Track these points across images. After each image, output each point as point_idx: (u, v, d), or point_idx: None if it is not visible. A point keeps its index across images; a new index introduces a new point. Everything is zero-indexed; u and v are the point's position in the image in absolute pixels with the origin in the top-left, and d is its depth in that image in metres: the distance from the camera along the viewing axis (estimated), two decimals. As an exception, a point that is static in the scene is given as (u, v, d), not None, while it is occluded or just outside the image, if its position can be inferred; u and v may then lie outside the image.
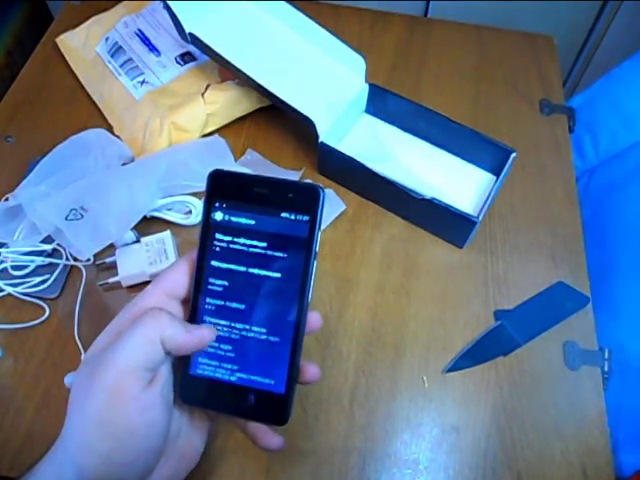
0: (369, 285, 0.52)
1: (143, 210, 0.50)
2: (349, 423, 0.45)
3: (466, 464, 0.44)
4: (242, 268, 0.32)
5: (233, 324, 0.32)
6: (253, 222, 0.32)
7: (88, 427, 0.29)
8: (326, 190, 0.56)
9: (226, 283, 0.33)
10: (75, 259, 0.50)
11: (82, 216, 0.48)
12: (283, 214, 0.32)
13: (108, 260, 0.50)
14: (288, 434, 0.44)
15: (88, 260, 0.50)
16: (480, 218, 0.50)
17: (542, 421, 0.46)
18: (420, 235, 0.55)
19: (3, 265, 0.49)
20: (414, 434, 0.45)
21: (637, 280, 0.54)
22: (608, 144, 0.66)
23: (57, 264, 0.50)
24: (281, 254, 0.32)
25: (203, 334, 0.31)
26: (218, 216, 0.33)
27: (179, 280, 0.33)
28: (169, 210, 0.54)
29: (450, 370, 0.48)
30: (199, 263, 0.33)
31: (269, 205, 0.32)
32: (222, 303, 0.33)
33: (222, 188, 0.33)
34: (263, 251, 0.32)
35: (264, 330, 0.32)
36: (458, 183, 0.56)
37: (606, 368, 0.48)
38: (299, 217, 0.32)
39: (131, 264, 0.49)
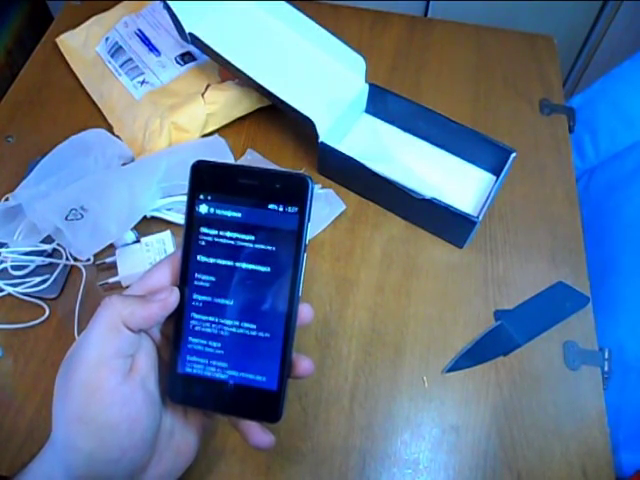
0: (369, 285, 0.52)
1: (143, 210, 0.50)
2: (349, 423, 0.45)
3: (466, 464, 0.44)
4: (229, 262, 0.31)
5: (222, 320, 0.32)
6: (240, 215, 0.31)
7: (70, 427, 0.29)
8: (326, 190, 0.56)
9: (213, 278, 0.32)
10: (75, 259, 0.50)
11: (82, 216, 0.48)
12: (271, 206, 0.31)
13: (108, 260, 0.50)
14: (287, 434, 0.44)
15: (88, 260, 0.50)
16: (480, 218, 0.50)
17: (542, 421, 0.46)
18: (420, 235, 0.55)
19: (3, 265, 0.49)
20: (414, 434, 0.45)
21: (637, 280, 0.54)
22: (608, 144, 0.66)
23: (57, 264, 0.50)
24: (270, 247, 0.31)
25: (162, 297, 0.31)
26: (203, 209, 0.32)
27: (162, 280, 0.32)
28: (169, 210, 0.53)
29: (450, 370, 0.48)
30: (184, 259, 0.32)
31: (256, 197, 0.31)
32: (209, 299, 0.32)
33: (206, 180, 0.32)
34: (251, 244, 0.31)
35: (254, 326, 0.31)
36: (458, 183, 0.56)
37: (606, 368, 0.48)
38: (287, 208, 0.31)
39: (131, 264, 0.49)
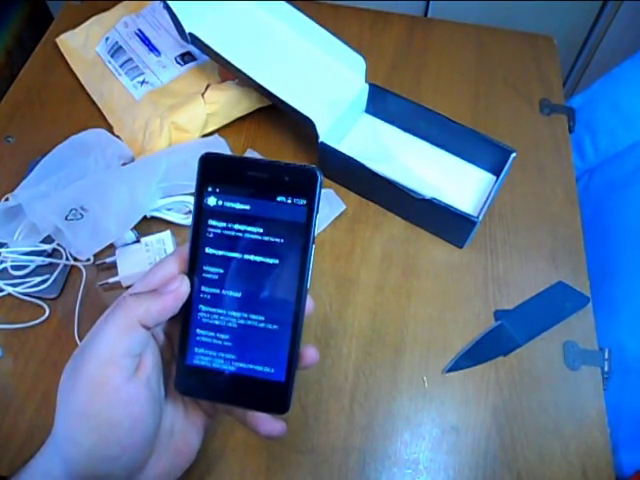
0: (369, 285, 0.52)
1: (143, 210, 0.50)
2: (349, 423, 0.45)
3: (466, 464, 0.44)
4: (238, 255, 0.32)
5: (230, 312, 0.32)
6: (248, 207, 0.31)
7: (73, 421, 0.29)
8: (326, 190, 0.56)
9: (221, 271, 0.32)
10: (75, 259, 0.50)
11: (82, 216, 0.48)
12: (279, 198, 0.31)
13: (108, 260, 0.50)
14: (287, 434, 0.43)
15: (88, 260, 0.50)
16: (480, 218, 0.50)
17: (542, 421, 0.46)
18: (420, 235, 0.55)
19: (3, 265, 0.49)
20: (414, 434, 0.45)
21: (637, 280, 0.54)
22: (608, 144, 0.66)
23: (57, 264, 0.50)
24: (278, 239, 0.31)
25: (174, 287, 0.31)
26: (211, 201, 0.32)
27: (168, 276, 0.32)
28: (169, 210, 0.54)
29: (450, 370, 0.48)
30: (192, 251, 0.32)
31: (264, 189, 0.31)
32: (218, 291, 0.32)
33: (214, 172, 0.32)
34: (259, 237, 0.31)
35: (262, 318, 0.32)
36: (458, 183, 0.56)
37: (606, 368, 0.48)
38: (296, 201, 0.31)
39: (131, 264, 0.49)
